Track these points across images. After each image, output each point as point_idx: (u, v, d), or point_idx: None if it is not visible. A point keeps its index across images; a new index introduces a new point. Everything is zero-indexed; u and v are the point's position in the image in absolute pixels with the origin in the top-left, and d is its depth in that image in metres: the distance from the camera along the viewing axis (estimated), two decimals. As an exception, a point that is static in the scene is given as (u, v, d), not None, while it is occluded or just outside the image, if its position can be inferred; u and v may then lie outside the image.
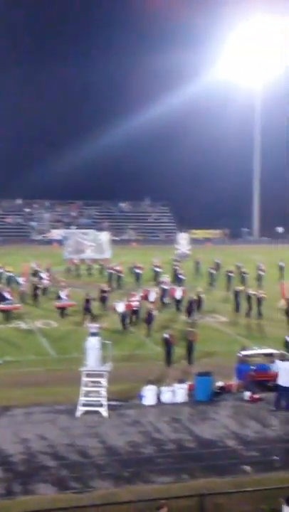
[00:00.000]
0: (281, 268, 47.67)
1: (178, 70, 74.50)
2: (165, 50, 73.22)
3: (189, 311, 33.65)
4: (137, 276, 44.09)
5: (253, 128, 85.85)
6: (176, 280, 42.24)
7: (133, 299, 33.34)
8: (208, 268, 46.14)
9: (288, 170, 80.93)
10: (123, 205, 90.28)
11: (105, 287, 37.31)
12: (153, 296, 35.50)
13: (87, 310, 33.06)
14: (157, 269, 44.96)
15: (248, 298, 35.82)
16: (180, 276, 42.65)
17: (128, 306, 32.38)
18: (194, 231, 77.05)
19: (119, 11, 76.66)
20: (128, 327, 31.62)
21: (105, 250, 58.66)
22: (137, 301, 33.34)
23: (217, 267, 46.32)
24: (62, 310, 34.45)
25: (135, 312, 32.80)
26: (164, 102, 74.33)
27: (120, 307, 32.10)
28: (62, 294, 35.16)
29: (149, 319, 30.77)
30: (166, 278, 41.20)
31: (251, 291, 36.53)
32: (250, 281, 43.01)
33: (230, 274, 43.49)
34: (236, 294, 36.94)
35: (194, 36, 73.63)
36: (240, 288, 37.69)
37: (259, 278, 43.91)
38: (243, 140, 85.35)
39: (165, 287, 38.20)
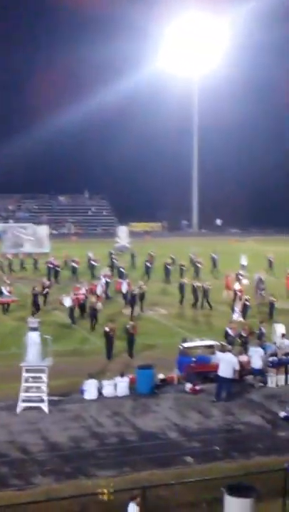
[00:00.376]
0: (214, 260, 47.97)
1: (117, 62, 74.37)
2: (104, 42, 72.83)
3: (132, 305, 33.65)
4: (74, 270, 43.73)
5: (192, 120, 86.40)
6: (118, 274, 42.16)
7: (78, 292, 33.14)
8: (145, 261, 46.08)
9: (226, 162, 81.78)
10: (62, 198, 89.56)
11: (46, 282, 36.99)
12: (100, 289, 35.38)
13: (36, 305, 32.81)
14: (93, 263, 44.61)
15: (194, 290, 35.96)
16: (121, 269, 42.58)
17: (76, 300, 32.23)
18: (134, 224, 77.16)
19: (60, 1, 75.72)
20: (76, 321, 31.41)
21: (44, 244, 58.18)
22: (83, 294, 33.18)
23: (152, 259, 46.33)
24: (4, 306, 33.86)
25: (81, 306, 32.67)
26: (102, 93, 73.88)
27: (68, 301, 31.90)
28: (5, 290, 34.58)
29: (93, 313, 30.62)
30: (108, 272, 41.04)
31: (197, 283, 36.69)
32: (188, 273, 43.32)
33: (168, 266, 43.71)
34: (181, 286, 37.05)
35: (132, 28, 73.61)
36: (186, 280, 37.85)
37: (196, 270, 44.21)
38: (182, 132, 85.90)
39: (108, 280, 38.11)
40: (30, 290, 34.12)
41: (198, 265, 44.62)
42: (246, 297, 33.25)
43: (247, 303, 32.78)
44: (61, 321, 31.94)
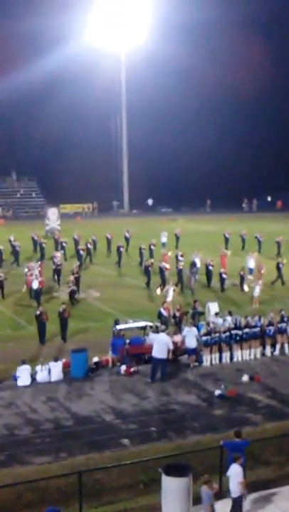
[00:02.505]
0: (126, 238, 47.85)
1: (42, 37, 72.30)
2: (28, 16, 70.64)
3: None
4: None
5: (120, 98, 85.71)
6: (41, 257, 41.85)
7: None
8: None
9: (156, 141, 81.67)
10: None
11: None
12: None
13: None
14: (17, 248, 43.30)
15: (161, 270, 35.61)
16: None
17: (42, 283, 32.00)
18: (64, 206, 76.19)
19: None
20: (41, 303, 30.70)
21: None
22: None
23: (76, 242, 45.77)
24: None
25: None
26: (27, 70, 71.76)
27: (36, 284, 31.59)
28: None
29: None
30: (59, 253, 40.37)
31: (164, 264, 36.27)
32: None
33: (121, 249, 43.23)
34: (146, 268, 36.76)
35: (57, 3, 71.97)
36: (151, 261, 37.55)
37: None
38: (110, 111, 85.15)
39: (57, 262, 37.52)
40: None
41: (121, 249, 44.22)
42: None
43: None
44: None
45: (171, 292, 30.38)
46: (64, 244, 44.08)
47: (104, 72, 77.84)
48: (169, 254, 38.79)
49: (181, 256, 38.45)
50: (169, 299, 29.80)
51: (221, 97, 79.09)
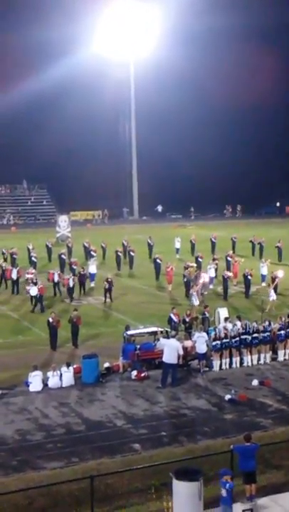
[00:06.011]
0: (149, 245, 48.16)
1: (52, 47, 73.08)
2: (38, 26, 71.40)
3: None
4: (13, 262, 43.03)
5: (129, 106, 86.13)
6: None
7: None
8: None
9: (164, 149, 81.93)
10: (0, 189, 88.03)
11: None
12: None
13: None
14: (34, 258, 43.52)
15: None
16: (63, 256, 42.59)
17: (42, 290, 32.29)
18: (74, 213, 76.56)
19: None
20: (44, 309, 31.47)
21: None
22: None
23: (87, 248, 46.08)
24: None
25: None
26: (38, 79, 72.51)
27: (34, 291, 31.86)
28: None
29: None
30: (75, 259, 40.92)
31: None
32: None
33: (119, 253, 43.67)
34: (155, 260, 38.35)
35: (66, 13, 72.64)
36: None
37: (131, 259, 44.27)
38: (120, 118, 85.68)
39: (74, 267, 38.05)
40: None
41: (132, 253, 44.47)
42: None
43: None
44: (2, 313, 31.53)
45: (196, 296, 30.70)
46: (93, 253, 43.73)
47: (113, 81, 78.37)
48: (173, 267, 37.63)
49: (201, 258, 39.74)
50: (196, 303, 30.09)
51: (230, 105, 79.31)
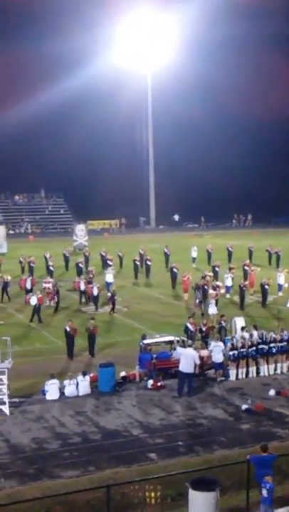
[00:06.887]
0: (166, 254, 48.21)
1: (70, 57, 73.54)
2: (57, 37, 71.98)
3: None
4: (31, 270, 43.31)
5: (146, 116, 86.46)
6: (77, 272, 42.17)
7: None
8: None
9: (181, 158, 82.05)
10: (18, 198, 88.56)
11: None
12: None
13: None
14: (51, 267, 43.67)
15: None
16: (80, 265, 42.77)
17: (40, 300, 32.32)
18: (91, 222, 76.82)
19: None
20: (42, 320, 31.64)
21: (1, 245, 57.58)
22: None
23: (103, 257, 46.21)
24: None
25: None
26: (56, 89, 73.06)
27: (34, 300, 31.92)
28: None
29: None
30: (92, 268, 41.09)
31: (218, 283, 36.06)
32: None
33: (136, 262, 43.77)
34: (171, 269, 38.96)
35: (84, 23, 73.32)
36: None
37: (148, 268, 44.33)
38: (136, 128, 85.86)
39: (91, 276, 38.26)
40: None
41: (149, 263, 44.48)
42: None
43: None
44: (19, 321, 31.70)
45: (214, 305, 30.78)
46: (110, 262, 43.63)
47: (130, 91, 78.59)
48: (190, 276, 37.47)
49: (218, 267, 39.84)
50: (213, 311, 30.13)
51: (247, 114, 79.33)
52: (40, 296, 32.53)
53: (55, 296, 34.19)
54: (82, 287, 35.75)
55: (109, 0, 73.03)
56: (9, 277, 37.48)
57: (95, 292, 34.26)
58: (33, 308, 31.85)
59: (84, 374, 21.71)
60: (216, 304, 32.14)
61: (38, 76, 75.20)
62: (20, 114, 71.73)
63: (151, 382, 22.09)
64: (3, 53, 74.87)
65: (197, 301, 33.86)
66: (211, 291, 34.11)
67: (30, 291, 35.62)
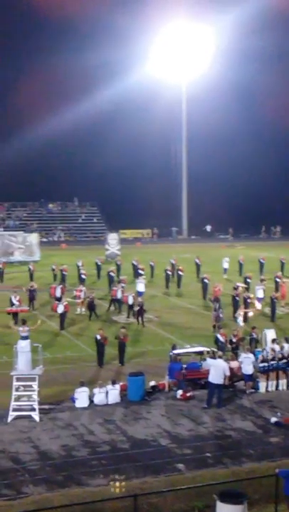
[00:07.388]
0: (197, 265, 48.07)
1: (105, 69, 74.42)
2: (92, 50, 72.85)
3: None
4: (63, 278, 43.63)
5: (180, 127, 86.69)
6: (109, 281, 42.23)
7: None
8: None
9: (215, 169, 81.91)
10: (52, 206, 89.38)
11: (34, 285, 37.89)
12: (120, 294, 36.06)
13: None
14: (83, 275, 43.72)
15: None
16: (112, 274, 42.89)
17: (67, 307, 32.44)
18: (124, 231, 77.07)
19: (46, 8, 75.75)
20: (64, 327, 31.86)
21: (35, 252, 58.06)
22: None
23: (135, 267, 46.24)
24: (14, 315, 32.99)
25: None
26: (91, 100, 73.84)
27: (60, 308, 32.08)
28: (14, 300, 34.22)
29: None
30: (124, 278, 41.08)
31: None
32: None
33: (168, 272, 43.89)
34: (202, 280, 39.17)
35: (120, 35, 73.79)
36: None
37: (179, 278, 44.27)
38: (171, 139, 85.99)
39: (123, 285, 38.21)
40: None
41: (180, 273, 44.41)
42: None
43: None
44: (51, 329, 31.94)
45: (241, 318, 30.64)
46: (142, 271, 43.43)
47: (165, 102, 78.81)
48: (221, 287, 37.05)
49: (249, 278, 39.70)
50: (241, 324, 30.04)
51: (283, 125, 78.87)
52: (66, 303, 32.66)
53: (91, 305, 34.30)
54: (120, 295, 35.86)
55: (145, 12, 73.46)
56: (35, 285, 37.79)
57: (130, 301, 34.39)
58: (59, 316, 32.05)
59: (113, 382, 21.79)
60: (245, 319, 32.03)
61: (76, 87, 75.96)
62: (57, 124, 72.51)
63: (180, 392, 22.05)
64: (43, 65, 75.89)
65: (215, 312, 33.40)
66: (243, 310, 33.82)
67: (60, 299, 35.70)
